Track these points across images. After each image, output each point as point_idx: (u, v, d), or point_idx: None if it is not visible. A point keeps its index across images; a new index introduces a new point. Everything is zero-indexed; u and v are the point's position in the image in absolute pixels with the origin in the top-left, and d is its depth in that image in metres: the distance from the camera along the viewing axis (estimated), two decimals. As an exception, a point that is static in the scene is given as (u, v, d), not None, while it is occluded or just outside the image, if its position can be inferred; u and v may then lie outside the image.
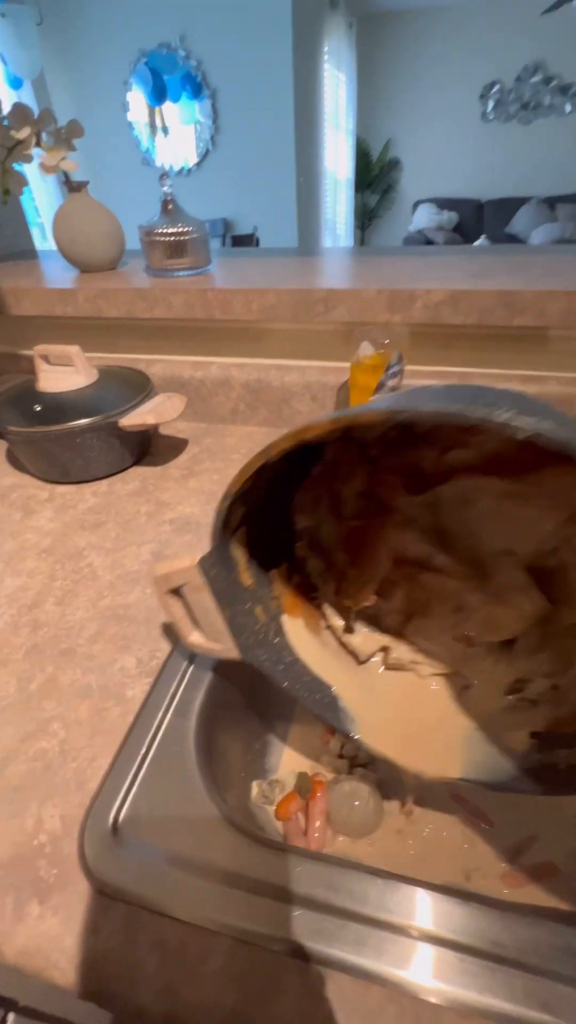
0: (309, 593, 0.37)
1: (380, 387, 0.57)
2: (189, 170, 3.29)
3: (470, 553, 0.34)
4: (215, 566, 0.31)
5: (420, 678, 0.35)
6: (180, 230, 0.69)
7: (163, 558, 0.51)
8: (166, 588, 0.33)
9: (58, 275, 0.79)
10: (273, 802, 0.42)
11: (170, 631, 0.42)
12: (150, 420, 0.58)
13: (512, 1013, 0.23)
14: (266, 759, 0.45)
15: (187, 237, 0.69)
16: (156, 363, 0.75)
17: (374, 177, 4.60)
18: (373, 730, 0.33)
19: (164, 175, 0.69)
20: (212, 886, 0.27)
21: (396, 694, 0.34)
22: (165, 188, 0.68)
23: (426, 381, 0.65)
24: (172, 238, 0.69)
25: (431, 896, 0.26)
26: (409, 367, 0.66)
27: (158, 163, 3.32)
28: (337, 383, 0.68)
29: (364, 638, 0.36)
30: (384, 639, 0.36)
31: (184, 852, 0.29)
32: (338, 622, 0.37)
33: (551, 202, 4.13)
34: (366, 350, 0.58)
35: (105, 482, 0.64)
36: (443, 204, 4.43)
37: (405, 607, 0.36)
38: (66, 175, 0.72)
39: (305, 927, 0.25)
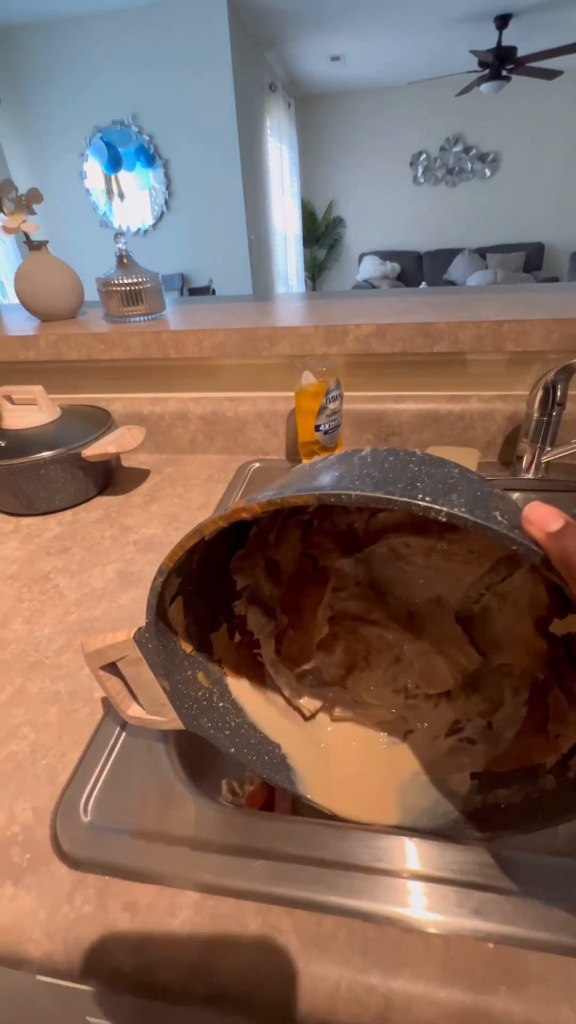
0: (252, 651, 0.36)
1: (322, 410, 0.64)
2: (146, 230, 3.48)
3: (404, 604, 0.36)
4: (152, 639, 0.29)
5: (364, 728, 0.35)
6: (135, 280, 0.75)
7: (128, 575, 0.54)
8: (100, 663, 0.31)
9: (20, 324, 0.84)
10: (242, 798, 0.43)
11: (135, 637, 0.45)
12: (111, 449, 0.62)
13: (448, 924, 0.26)
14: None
15: (141, 287, 0.76)
16: (116, 401, 0.80)
17: (321, 233, 4.97)
18: (321, 785, 0.32)
19: (118, 234, 0.77)
20: (179, 850, 0.29)
21: (343, 746, 0.34)
22: (120, 245, 0.76)
23: (362, 406, 0.72)
24: (127, 288, 0.76)
25: (377, 837, 0.29)
26: (347, 392, 0.73)
27: (115, 224, 3.51)
28: (286, 410, 0.75)
29: (309, 694, 0.36)
30: (328, 693, 0.36)
31: (152, 825, 0.31)
32: (282, 679, 0.36)
33: (481, 252, 4.56)
34: (308, 379, 0.65)
35: (70, 512, 0.67)
36: (386, 256, 4.82)
37: (346, 660, 0.36)
38: (27, 236, 0.78)
39: (265, 874, 0.28)
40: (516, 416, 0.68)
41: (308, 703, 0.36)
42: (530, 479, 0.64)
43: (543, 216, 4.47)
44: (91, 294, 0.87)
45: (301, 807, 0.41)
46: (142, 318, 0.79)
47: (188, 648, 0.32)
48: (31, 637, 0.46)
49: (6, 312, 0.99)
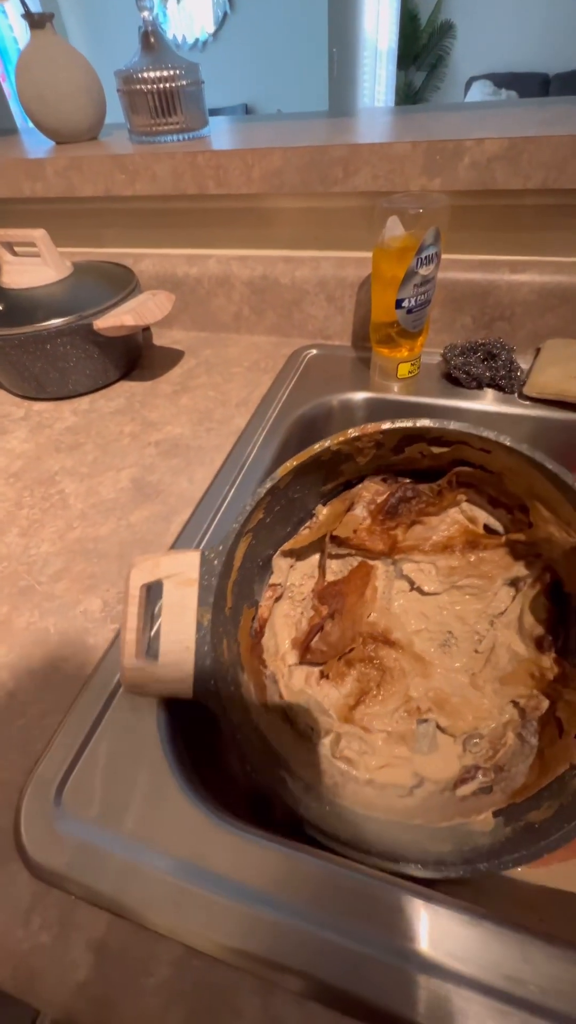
0: (261, 655, 0.33)
1: (410, 276, 0.46)
2: (205, 41, 2.85)
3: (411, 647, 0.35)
4: (221, 556, 0.28)
5: (368, 771, 0.31)
6: (168, 74, 0.54)
7: (145, 484, 0.44)
8: (148, 579, 0.28)
9: (30, 148, 0.66)
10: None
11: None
12: (128, 321, 0.49)
13: (529, 1071, 0.17)
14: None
15: (176, 84, 0.55)
16: (145, 258, 0.64)
17: (422, 47, 3.91)
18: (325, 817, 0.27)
19: (144, -2, 0.54)
20: (165, 878, 0.22)
21: (349, 787, 0.30)
22: (145, 14, 0.53)
23: (463, 275, 0.52)
24: (158, 86, 0.55)
25: (435, 912, 0.21)
26: (446, 256, 0.53)
27: (169, 34, 2.88)
28: (358, 279, 0.56)
29: (312, 721, 0.33)
30: (333, 724, 0.33)
31: (137, 833, 0.24)
32: (291, 687, 0.34)
33: None
34: (394, 228, 0.45)
35: (87, 398, 0.56)
36: (501, 81, 3.77)
37: (357, 689, 0.35)
38: (24, 5, 0.57)
39: (273, 940, 0.20)
40: None
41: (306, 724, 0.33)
42: None
43: None
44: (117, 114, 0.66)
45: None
46: (176, 137, 0.59)
47: (229, 602, 0.29)
48: (26, 554, 0.39)
49: (25, 136, 0.80)
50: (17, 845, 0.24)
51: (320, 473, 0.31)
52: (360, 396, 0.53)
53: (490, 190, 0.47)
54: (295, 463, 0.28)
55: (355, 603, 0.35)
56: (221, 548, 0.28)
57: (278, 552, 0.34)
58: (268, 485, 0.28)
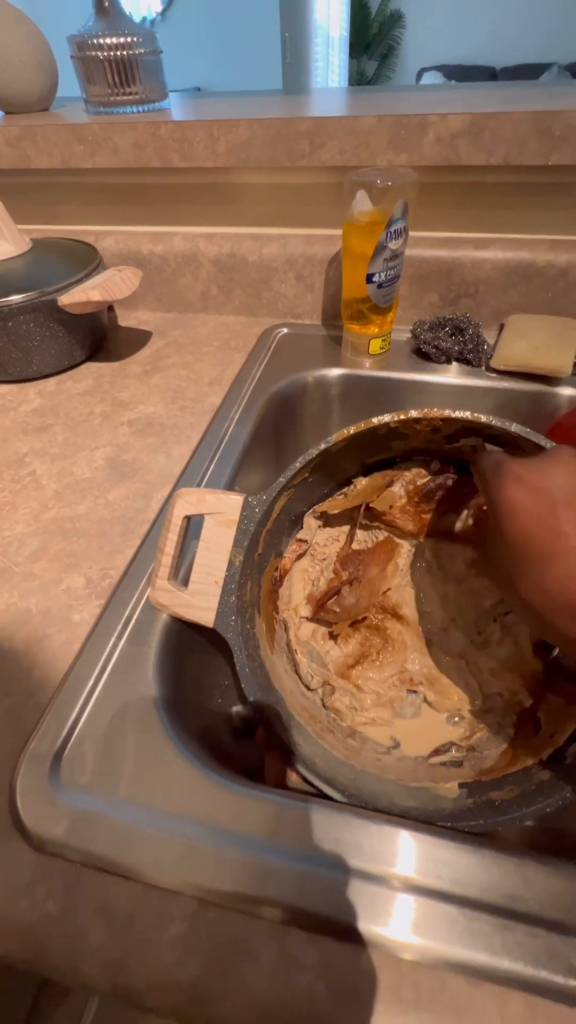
0: (276, 602, 0.36)
1: (379, 251, 0.46)
2: (152, 21, 2.76)
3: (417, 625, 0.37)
4: (262, 506, 0.30)
5: (353, 723, 0.34)
6: (124, 41, 0.53)
7: (120, 463, 0.43)
8: (192, 511, 0.30)
9: (-24, 118, 0.62)
10: (254, 728, 0.37)
11: (125, 545, 0.36)
12: (96, 296, 0.47)
13: (533, 978, 0.19)
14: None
15: (134, 52, 0.53)
16: (107, 235, 0.62)
17: (372, 36, 3.94)
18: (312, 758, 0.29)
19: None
20: (170, 837, 0.22)
21: (334, 734, 0.33)
22: (98, -23, 0.51)
23: (429, 252, 0.53)
24: (115, 53, 0.53)
25: (439, 843, 0.22)
26: (414, 233, 0.54)
27: (114, 12, 2.77)
28: (326, 256, 0.56)
29: (312, 670, 0.35)
30: (330, 677, 0.35)
31: (139, 797, 0.24)
32: (299, 636, 0.36)
33: (574, 70, 3.59)
34: (363, 203, 0.46)
35: (52, 380, 0.54)
36: (451, 72, 3.84)
37: (358, 651, 0.37)
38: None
39: (284, 883, 0.21)
40: None
41: (310, 677, 0.35)
42: None
43: None
44: (68, 87, 0.63)
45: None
46: (135, 108, 0.57)
47: (260, 548, 0.31)
48: (-2, 537, 0.37)
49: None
50: (15, 822, 0.23)
51: (371, 445, 0.32)
52: (334, 372, 0.53)
53: (454, 166, 0.48)
54: (353, 431, 0.29)
55: (375, 575, 0.37)
56: (264, 497, 0.30)
57: (310, 511, 0.35)
58: (322, 447, 0.29)
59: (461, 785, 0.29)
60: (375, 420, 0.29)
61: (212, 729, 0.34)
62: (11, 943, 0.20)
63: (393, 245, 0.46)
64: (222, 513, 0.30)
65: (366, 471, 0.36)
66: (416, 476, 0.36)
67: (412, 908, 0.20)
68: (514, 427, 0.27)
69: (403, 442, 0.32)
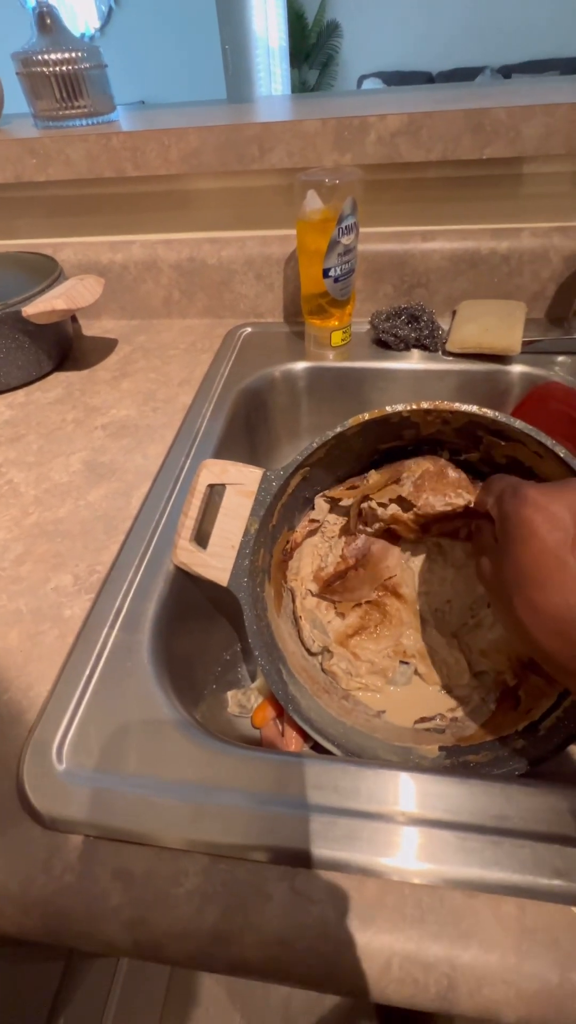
0: (285, 572, 0.38)
1: (333, 246, 0.48)
2: (92, 38, 2.76)
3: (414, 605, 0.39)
4: (279, 480, 0.32)
5: (347, 687, 0.37)
6: (69, 56, 0.54)
7: (97, 465, 0.44)
8: (216, 480, 0.33)
9: None
10: (250, 711, 0.39)
11: (110, 541, 0.37)
12: (60, 305, 0.48)
13: (521, 883, 0.20)
14: (239, 668, 0.42)
15: (79, 66, 0.54)
16: (65, 247, 0.63)
17: (311, 46, 4.02)
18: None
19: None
20: (178, 803, 0.23)
21: (330, 695, 0.36)
22: (37, -5, 0.52)
23: (380, 246, 0.56)
24: (60, 68, 0.54)
25: (430, 779, 0.24)
26: (365, 229, 0.57)
27: (52, 29, 2.76)
28: (283, 255, 0.58)
29: (314, 635, 0.38)
30: (330, 643, 0.38)
31: (144, 770, 0.25)
32: (305, 605, 0.39)
33: (506, 71, 3.76)
34: (313, 202, 0.48)
35: (21, 392, 0.54)
36: (390, 79, 3.96)
37: (358, 624, 0.39)
38: None
39: (289, 830, 0.22)
40: (578, 255, 0.53)
41: (311, 642, 0.37)
42: (589, 339, 0.52)
43: (583, 20, 3.58)
44: (14, 104, 0.64)
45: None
46: (84, 121, 0.58)
47: (274, 520, 0.34)
48: (-19, 544, 0.37)
49: None
50: (25, 806, 0.24)
51: (383, 432, 0.33)
52: (300, 366, 0.55)
53: (397, 163, 0.50)
54: (367, 417, 0.31)
55: (379, 562, 0.39)
56: (282, 473, 0.32)
57: (321, 494, 0.38)
58: (338, 430, 0.31)
59: (441, 748, 0.31)
60: (388, 408, 0.30)
61: (209, 711, 0.35)
62: (33, 919, 0.21)
63: (345, 240, 0.49)
64: (242, 484, 0.33)
65: (378, 457, 0.37)
66: (425, 473, 0.37)
67: (410, 838, 0.22)
68: (517, 424, 0.28)
69: (414, 431, 0.34)
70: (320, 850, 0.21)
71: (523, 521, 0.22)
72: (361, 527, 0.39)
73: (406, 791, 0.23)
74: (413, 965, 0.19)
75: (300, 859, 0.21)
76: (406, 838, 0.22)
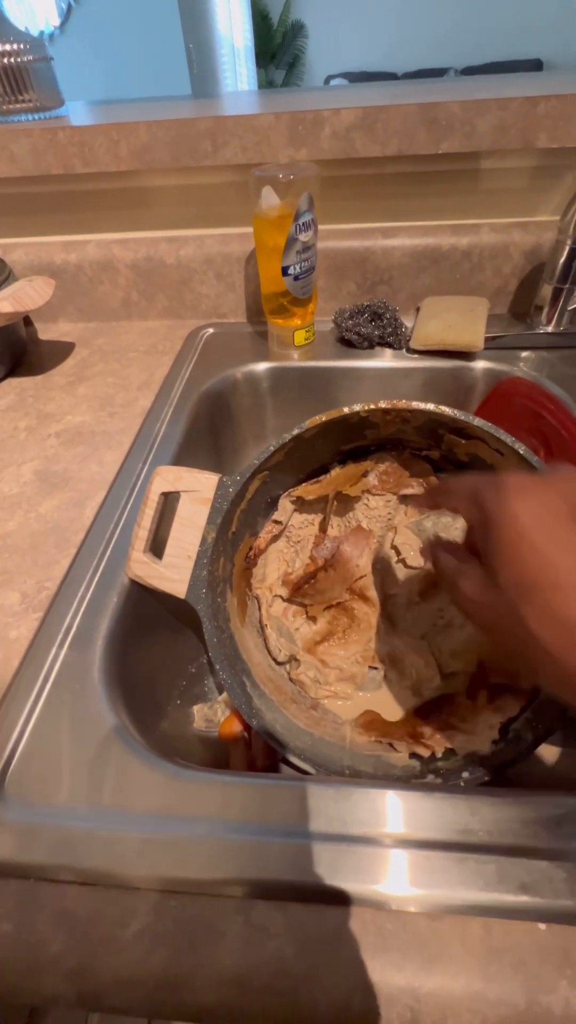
0: (248, 580, 0.37)
1: (291, 243, 0.47)
2: (51, 35, 2.70)
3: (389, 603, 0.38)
4: (236, 486, 0.31)
5: (315, 695, 0.36)
6: (11, 48, 0.51)
7: (50, 475, 0.42)
8: (167, 488, 0.32)
9: None
10: (217, 725, 0.37)
11: (60, 555, 0.35)
12: (7, 309, 0.46)
13: (487, 901, 0.20)
14: (205, 681, 0.40)
15: (23, 59, 0.52)
16: (15, 248, 0.60)
17: (277, 46, 4.02)
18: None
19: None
20: (128, 836, 0.22)
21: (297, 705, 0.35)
22: (-25, -17, 0.50)
23: (340, 243, 0.55)
24: (4, 61, 0.52)
25: (391, 795, 0.23)
26: (322, 226, 0.56)
27: (10, 26, 2.69)
28: (243, 254, 0.57)
29: (280, 644, 0.37)
30: (298, 651, 0.37)
31: (91, 802, 0.23)
32: (271, 613, 0.38)
33: (470, 72, 3.81)
34: (269, 198, 0.47)
35: (-29, 399, 0.52)
36: (356, 79, 3.98)
37: (326, 629, 0.38)
38: None
39: (246, 859, 0.21)
40: (537, 251, 0.53)
41: (278, 651, 0.36)
42: (551, 334, 0.52)
43: (540, 26, 3.65)
44: None
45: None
46: (30, 116, 0.56)
47: (234, 527, 0.33)
48: None
49: None
50: (-41, 847, 0.22)
51: (344, 433, 0.33)
52: (263, 366, 0.54)
53: (353, 159, 0.49)
54: (325, 419, 0.30)
55: (349, 562, 0.38)
56: (238, 478, 0.31)
57: (285, 494, 0.36)
58: (295, 432, 0.30)
59: (412, 755, 0.30)
60: (346, 409, 0.30)
61: (173, 727, 0.34)
62: (-34, 972, 0.19)
63: (303, 237, 0.48)
64: (197, 491, 0.31)
65: (343, 459, 0.36)
66: (388, 466, 0.37)
67: (373, 860, 0.21)
68: (476, 421, 0.28)
69: (375, 431, 0.33)
70: (275, 878, 0.20)
71: (517, 514, 0.19)
72: (336, 515, 0.38)
73: (367, 809, 0.22)
74: (375, 999, 0.18)
75: (255, 890, 0.20)
76: (369, 860, 0.21)
